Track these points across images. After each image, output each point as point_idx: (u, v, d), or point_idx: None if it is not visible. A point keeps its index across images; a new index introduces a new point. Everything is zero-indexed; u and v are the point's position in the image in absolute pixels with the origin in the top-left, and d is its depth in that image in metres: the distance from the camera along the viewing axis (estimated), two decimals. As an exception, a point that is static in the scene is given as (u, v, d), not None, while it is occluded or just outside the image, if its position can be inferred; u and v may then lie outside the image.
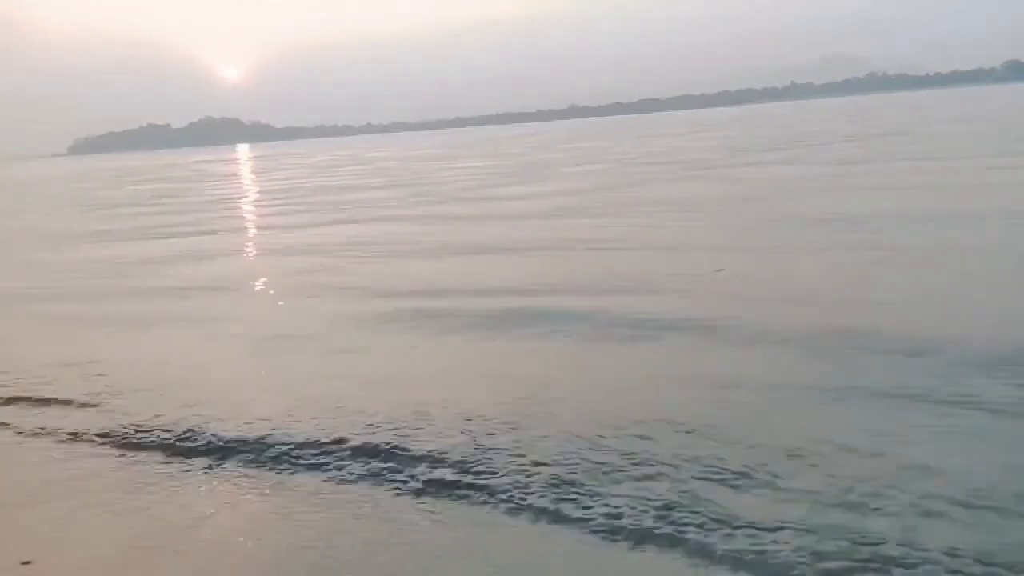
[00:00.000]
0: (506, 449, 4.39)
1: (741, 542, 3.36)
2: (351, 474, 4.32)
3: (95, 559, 3.63)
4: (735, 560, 3.27)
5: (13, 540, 3.81)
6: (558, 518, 3.71)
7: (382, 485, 4.17)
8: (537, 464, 4.19)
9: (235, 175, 48.15)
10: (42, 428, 5.35)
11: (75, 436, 5.16)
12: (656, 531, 3.51)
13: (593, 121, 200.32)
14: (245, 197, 28.75)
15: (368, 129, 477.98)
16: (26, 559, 3.61)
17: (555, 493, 3.90)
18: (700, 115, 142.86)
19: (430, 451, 4.45)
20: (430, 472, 4.23)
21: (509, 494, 3.94)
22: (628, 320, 7.00)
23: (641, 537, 3.50)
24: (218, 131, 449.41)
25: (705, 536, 3.43)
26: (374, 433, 4.74)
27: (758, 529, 3.43)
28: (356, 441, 4.65)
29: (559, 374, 5.71)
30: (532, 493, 3.92)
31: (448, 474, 4.19)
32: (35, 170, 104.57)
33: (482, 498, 3.95)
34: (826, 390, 5.01)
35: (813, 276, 8.45)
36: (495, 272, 9.88)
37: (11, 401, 5.88)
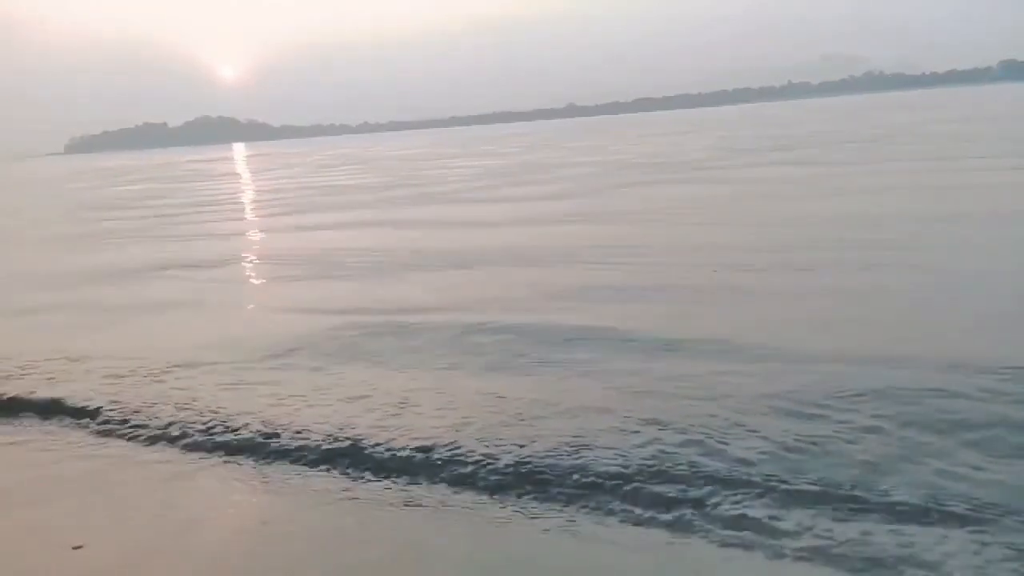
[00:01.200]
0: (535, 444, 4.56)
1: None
2: (370, 470, 4.50)
3: (140, 542, 3.89)
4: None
5: (63, 527, 4.05)
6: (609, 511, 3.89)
7: (406, 483, 4.34)
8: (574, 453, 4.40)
9: (233, 175, 48.26)
10: (74, 422, 5.59)
11: (106, 429, 5.38)
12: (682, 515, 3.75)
13: (591, 120, 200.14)
14: (243, 197, 28.91)
15: (365, 128, 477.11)
16: (77, 543, 3.84)
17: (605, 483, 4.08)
18: (697, 115, 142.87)
19: (455, 449, 4.60)
20: (459, 467, 4.40)
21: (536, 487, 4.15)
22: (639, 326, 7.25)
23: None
24: (215, 130, 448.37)
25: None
26: (397, 432, 4.91)
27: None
28: (380, 440, 4.79)
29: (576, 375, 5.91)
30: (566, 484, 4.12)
31: (480, 472, 4.34)
32: (29, 169, 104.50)
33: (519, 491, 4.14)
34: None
35: (804, 277, 8.70)
36: (496, 286, 9.50)
37: (35, 399, 6.07)
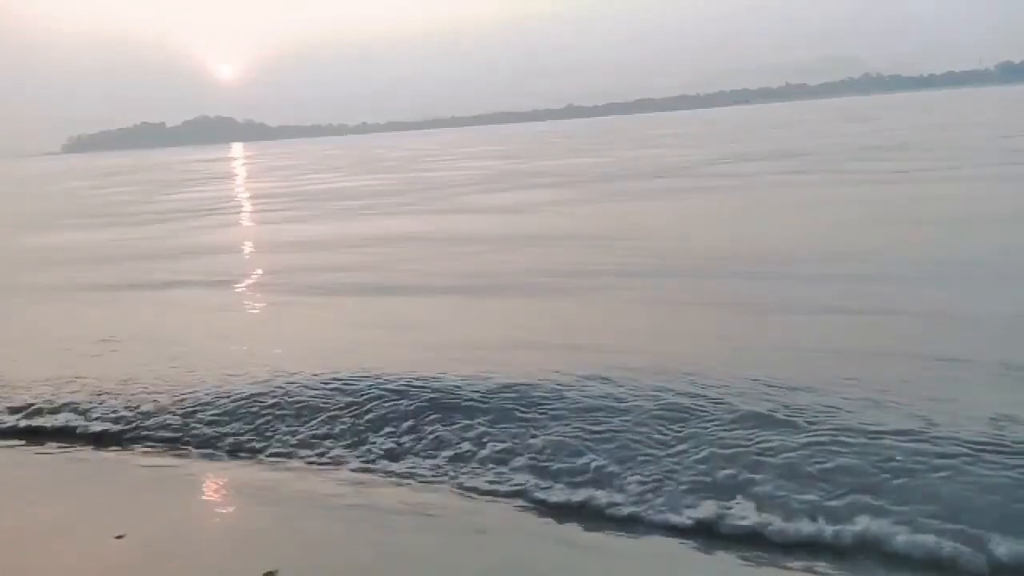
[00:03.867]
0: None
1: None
2: (372, 473, 4.71)
3: (175, 532, 4.19)
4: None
5: (104, 519, 4.34)
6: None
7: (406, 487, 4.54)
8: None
9: (233, 176, 48.39)
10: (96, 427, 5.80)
11: (134, 433, 5.62)
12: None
13: (589, 121, 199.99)
14: (245, 200, 29.05)
15: (363, 128, 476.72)
16: (119, 533, 4.12)
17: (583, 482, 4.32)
18: (694, 116, 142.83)
19: (464, 449, 4.83)
20: (467, 466, 4.65)
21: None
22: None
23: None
24: (213, 130, 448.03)
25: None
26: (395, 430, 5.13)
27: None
28: (384, 445, 5.00)
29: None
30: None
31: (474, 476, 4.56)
32: (19, 169, 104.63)
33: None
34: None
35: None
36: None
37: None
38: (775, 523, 3.76)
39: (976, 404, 4.79)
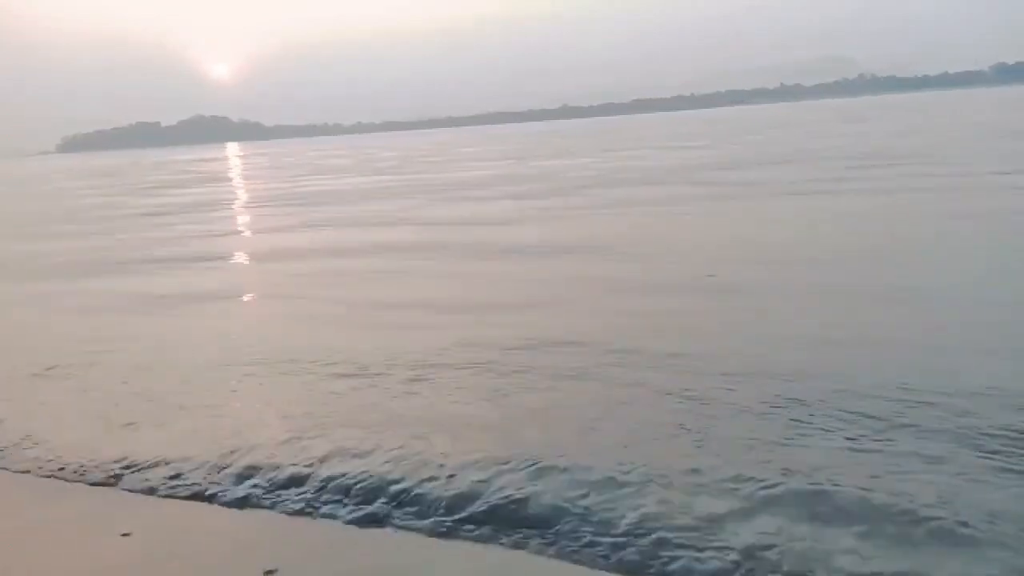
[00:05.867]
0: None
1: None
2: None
3: (178, 531, 4.22)
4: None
5: (110, 518, 4.37)
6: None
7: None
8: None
9: (228, 178, 48.20)
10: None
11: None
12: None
13: (585, 121, 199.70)
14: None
15: (359, 128, 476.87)
16: (125, 531, 4.16)
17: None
18: (687, 116, 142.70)
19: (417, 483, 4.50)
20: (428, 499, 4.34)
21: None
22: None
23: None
24: (208, 129, 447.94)
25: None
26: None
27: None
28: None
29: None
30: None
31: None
32: (11, 169, 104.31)
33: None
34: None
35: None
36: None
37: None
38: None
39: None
